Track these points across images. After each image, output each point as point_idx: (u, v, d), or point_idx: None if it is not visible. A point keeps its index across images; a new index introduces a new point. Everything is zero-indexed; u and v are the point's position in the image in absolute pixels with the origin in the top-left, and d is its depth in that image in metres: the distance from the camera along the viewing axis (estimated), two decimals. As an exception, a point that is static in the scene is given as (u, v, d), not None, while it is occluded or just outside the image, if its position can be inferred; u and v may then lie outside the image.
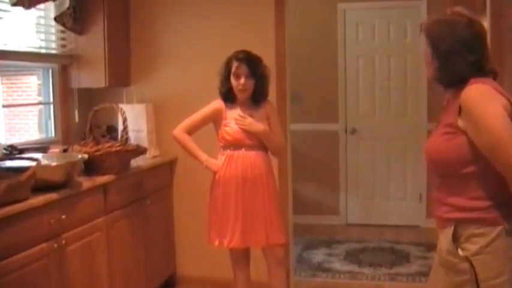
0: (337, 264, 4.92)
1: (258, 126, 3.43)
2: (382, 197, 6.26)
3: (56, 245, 2.88)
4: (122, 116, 3.56)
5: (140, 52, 4.45)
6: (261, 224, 3.44)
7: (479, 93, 1.92)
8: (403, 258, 5.07)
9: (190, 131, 3.58)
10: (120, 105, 3.77)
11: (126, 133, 3.54)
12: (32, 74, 4.33)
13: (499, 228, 1.92)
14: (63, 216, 2.94)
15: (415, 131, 6.05)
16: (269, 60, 4.14)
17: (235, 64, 3.42)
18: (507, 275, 1.92)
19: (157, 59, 4.45)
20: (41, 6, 3.82)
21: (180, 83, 4.43)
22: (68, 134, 4.19)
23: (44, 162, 2.99)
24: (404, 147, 6.17)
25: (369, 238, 5.70)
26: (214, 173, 3.51)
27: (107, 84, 4.14)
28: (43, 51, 4.07)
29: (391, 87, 6.15)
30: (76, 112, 4.24)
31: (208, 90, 4.26)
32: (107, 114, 4.10)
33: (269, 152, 3.56)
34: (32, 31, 3.99)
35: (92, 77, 4.15)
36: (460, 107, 1.94)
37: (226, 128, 3.46)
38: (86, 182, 3.21)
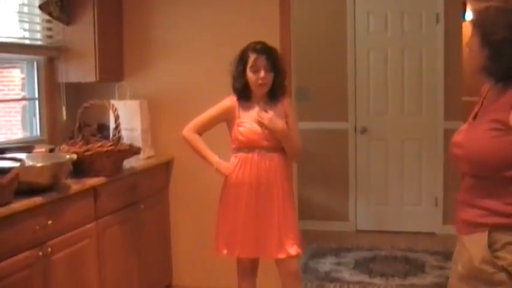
0: (346, 274, 4.89)
1: (278, 123, 3.33)
2: (394, 202, 6.23)
3: (40, 253, 2.85)
4: (114, 114, 3.54)
5: (134, 44, 4.42)
6: (274, 233, 3.36)
7: None
8: (417, 268, 5.03)
9: (200, 130, 3.50)
10: (112, 102, 3.75)
11: (119, 132, 3.52)
12: (14, 67, 4.30)
13: None
14: (49, 222, 2.92)
15: (431, 130, 6.02)
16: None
17: (252, 56, 3.32)
18: None
19: (152, 52, 4.41)
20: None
21: (177, 78, 4.40)
22: (54, 133, 4.17)
23: (29, 163, 2.96)
24: (419, 147, 6.13)
25: (380, 246, 5.66)
26: (225, 176, 3.44)
27: (98, 79, 4.11)
28: (27, 42, 4.04)
29: (405, 83, 6.11)
30: (63, 109, 4.21)
31: (208, 85, 4.26)
32: (97, 112, 4.07)
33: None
34: (15, 20, 3.95)
35: (80, 70, 4.12)
36: None
37: (240, 128, 3.38)
38: (75, 185, 3.19)
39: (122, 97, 4.25)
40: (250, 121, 3.37)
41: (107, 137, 3.94)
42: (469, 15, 6.15)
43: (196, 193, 4.35)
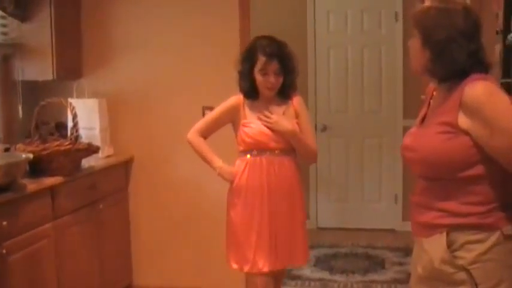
0: (306, 271, 4.90)
1: (285, 125, 3.10)
2: (355, 199, 6.28)
3: (-4, 255, 2.81)
4: (72, 112, 3.52)
5: (92, 41, 4.36)
6: (286, 243, 3.17)
7: (488, 92, 1.90)
8: (377, 264, 5.08)
9: (205, 133, 3.27)
10: (70, 100, 3.73)
11: (76, 131, 3.50)
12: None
13: (497, 234, 1.92)
14: (4, 223, 2.88)
15: (390, 128, 6.08)
16: (233, 52, 4.11)
17: (262, 59, 3.06)
18: (507, 283, 1.92)
19: (112, 49, 4.36)
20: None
21: (138, 76, 4.35)
22: (10, 132, 4.10)
23: (-17, 162, 2.91)
24: (378, 145, 6.19)
25: (341, 243, 5.69)
26: (230, 183, 3.21)
27: (55, 77, 4.05)
28: (-20, 39, 3.98)
29: (365, 81, 6.17)
30: (20, 107, 4.14)
31: (169, 83, 4.24)
32: (55, 110, 4.02)
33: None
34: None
35: (37, 68, 4.05)
36: (460, 105, 1.92)
37: (246, 129, 3.14)
38: (31, 185, 3.15)
39: (80, 95, 4.19)
40: (257, 121, 3.15)
41: (64, 136, 3.89)
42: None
43: (156, 192, 4.33)
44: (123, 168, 4.33)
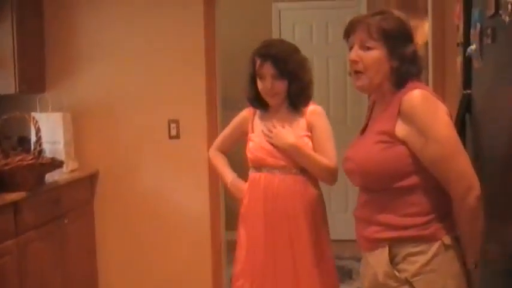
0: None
1: (285, 138, 2.77)
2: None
3: (-43, 273, 2.75)
4: (35, 127, 3.47)
5: (56, 54, 4.32)
6: (288, 278, 2.80)
7: (425, 101, 1.92)
8: (345, 274, 5.11)
9: (222, 148, 3.12)
10: (33, 114, 3.68)
11: (40, 145, 3.47)
12: None
13: (437, 244, 1.93)
14: (-35, 240, 2.81)
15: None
16: (198, 63, 4.14)
17: (257, 61, 2.84)
18: None
19: (76, 62, 4.33)
20: None
21: (102, 89, 4.32)
22: (-28, 146, 4.00)
23: None
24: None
25: (309, 254, 5.69)
26: (239, 200, 2.96)
27: (17, 90, 3.98)
28: None
29: (330, 92, 6.23)
30: (-19, 121, 4.06)
31: (136, 95, 4.22)
32: (17, 124, 3.97)
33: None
34: None
35: (-2, 81, 3.98)
36: (398, 113, 1.93)
37: (250, 143, 2.91)
38: (-7, 200, 3.09)
39: (43, 109, 4.15)
40: (261, 135, 2.89)
41: (28, 150, 3.83)
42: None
43: (122, 205, 4.30)
44: (88, 182, 4.28)
